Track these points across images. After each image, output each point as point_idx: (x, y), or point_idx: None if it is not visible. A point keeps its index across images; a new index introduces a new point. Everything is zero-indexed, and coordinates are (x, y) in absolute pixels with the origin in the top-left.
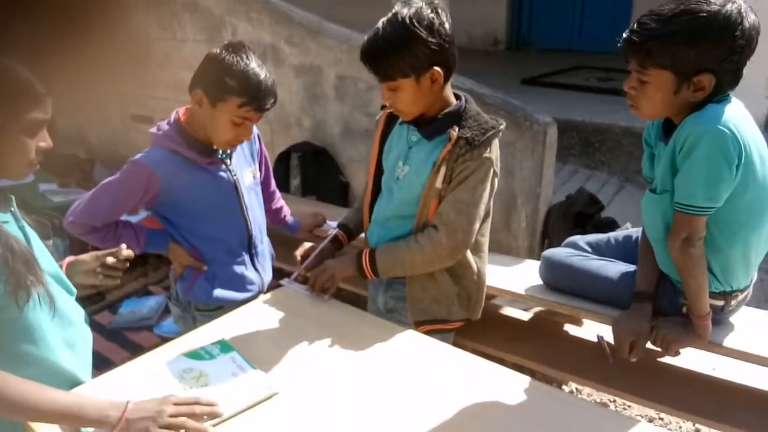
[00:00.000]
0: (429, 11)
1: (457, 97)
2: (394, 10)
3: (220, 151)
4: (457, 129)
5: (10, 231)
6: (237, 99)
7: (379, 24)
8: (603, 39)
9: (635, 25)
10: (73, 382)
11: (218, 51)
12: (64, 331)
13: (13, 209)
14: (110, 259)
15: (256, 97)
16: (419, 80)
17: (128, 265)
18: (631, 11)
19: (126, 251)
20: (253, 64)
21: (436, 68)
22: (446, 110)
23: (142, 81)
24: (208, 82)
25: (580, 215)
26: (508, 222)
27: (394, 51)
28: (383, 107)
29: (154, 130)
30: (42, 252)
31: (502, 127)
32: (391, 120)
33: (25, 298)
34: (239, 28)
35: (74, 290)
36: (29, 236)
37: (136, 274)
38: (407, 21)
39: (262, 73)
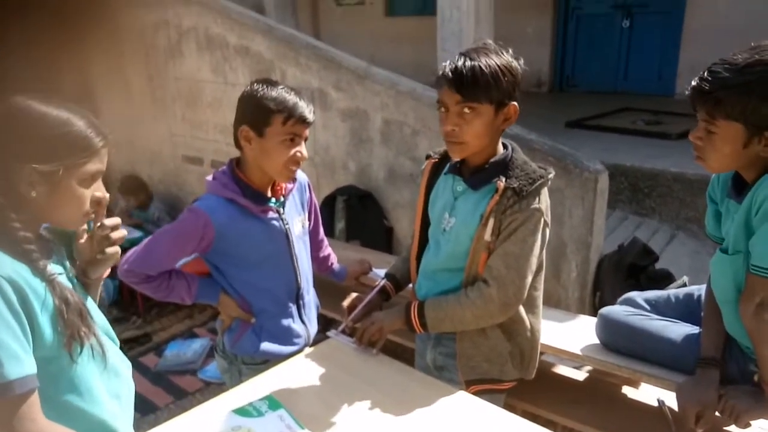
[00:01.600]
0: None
1: (504, 146)
2: (483, 42)
3: (274, 199)
4: (503, 179)
5: (64, 282)
6: (280, 116)
7: (466, 51)
8: (649, 82)
9: (706, 73)
10: None
11: (248, 87)
12: (110, 382)
13: (65, 262)
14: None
15: (296, 108)
16: (497, 112)
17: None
18: (678, 54)
19: (110, 220)
20: (283, 87)
21: (515, 104)
22: (493, 159)
23: (192, 123)
24: (250, 115)
25: (633, 266)
26: (558, 272)
27: (492, 73)
28: (428, 156)
29: (209, 178)
30: (90, 303)
31: (551, 176)
32: (436, 170)
33: (78, 349)
34: (288, 72)
35: (118, 341)
36: (77, 288)
37: (182, 316)
38: (505, 51)
39: (296, 96)
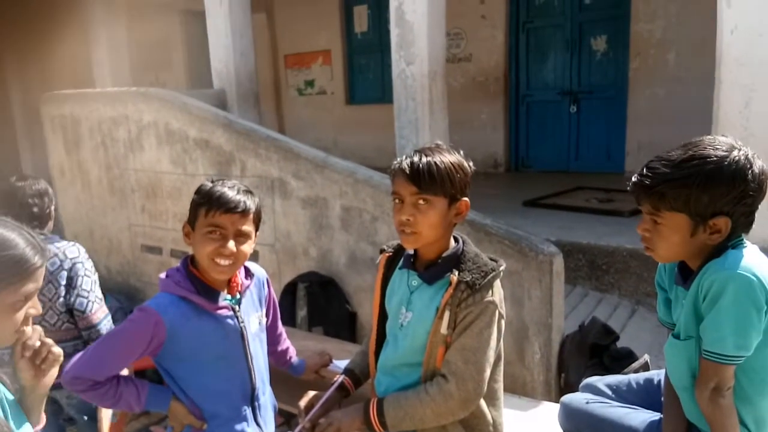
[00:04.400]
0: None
1: (455, 239)
2: (436, 143)
3: (229, 296)
4: (456, 272)
5: None
6: (203, 208)
7: (421, 149)
8: (599, 161)
9: (645, 170)
10: None
11: None
12: None
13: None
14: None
15: (217, 200)
16: (450, 206)
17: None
18: (625, 135)
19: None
20: (222, 185)
21: (466, 200)
22: (445, 254)
23: (151, 213)
24: (189, 212)
25: (595, 346)
26: (522, 354)
27: (446, 168)
28: (382, 251)
29: (162, 275)
30: (16, 414)
31: (502, 268)
32: (390, 264)
33: None
34: (248, 163)
35: None
36: (6, 409)
37: (138, 413)
38: (460, 152)
39: (230, 189)
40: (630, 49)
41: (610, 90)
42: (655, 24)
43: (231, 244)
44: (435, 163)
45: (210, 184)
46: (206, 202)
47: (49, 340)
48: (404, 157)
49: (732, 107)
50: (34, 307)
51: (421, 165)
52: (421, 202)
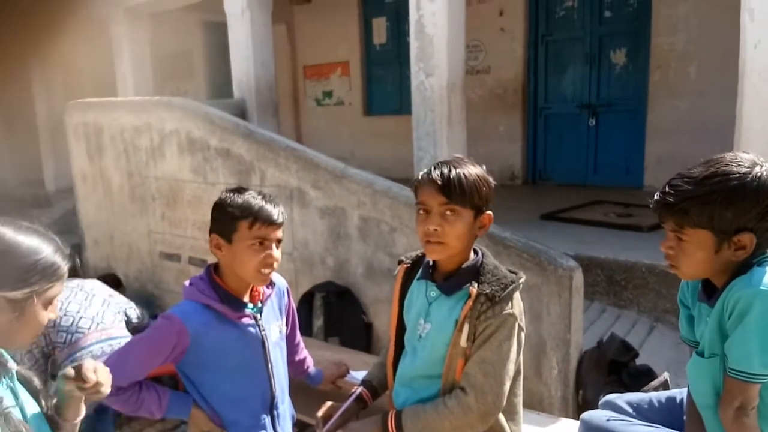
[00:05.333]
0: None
1: (474, 251)
2: (457, 156)
3: (251, 305)
4: (476, 285)
5: (17, 415)
6: (245, 221)
7: (446, 161)
8: (617, 175)
9: (667, 187)
10: None
11: (219, 197)
12: None
13: (12, 386)
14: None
15: (261, 212)
16: (476, 218)
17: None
18: (644, 149)
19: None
20: (250, 193)
21: (490, 213)
22: (464, 265)
23: (171, 221)
24: (218, 223)
25: (613, 363)
26: (539, 369)
27: (474, 180)
28: (400, 262)
29: (186, 283)
30: (37, 425)
31: (521, 280)
32: (409, 275)
33: None
34: (267, 172)
35: None
36: (26, 413)
37: (154, 419)
38: (482, 167)
39: (266, 202)
40: (650, 63)
41: (629, 103)
42: (677, 37)
43: (276, 252)
44: (464, 174)
45: (240, 196)
46: (249, 215)
47: (105, 382)
48: (432, 168)
49: (755, 122)
50: (53, 312)
51: (451, 176)
52: (448, 212)
